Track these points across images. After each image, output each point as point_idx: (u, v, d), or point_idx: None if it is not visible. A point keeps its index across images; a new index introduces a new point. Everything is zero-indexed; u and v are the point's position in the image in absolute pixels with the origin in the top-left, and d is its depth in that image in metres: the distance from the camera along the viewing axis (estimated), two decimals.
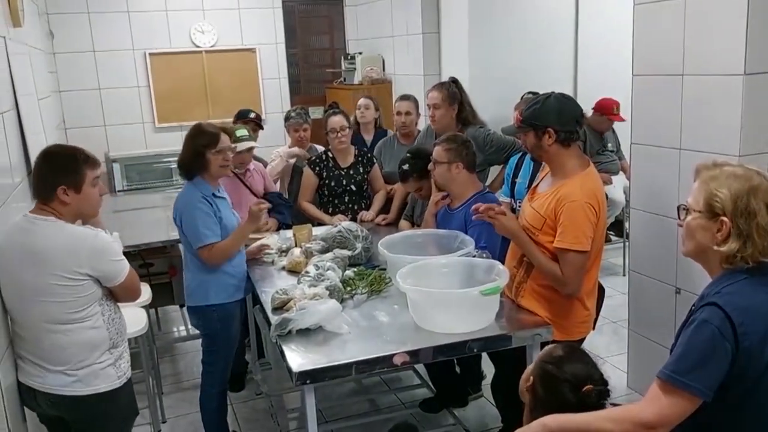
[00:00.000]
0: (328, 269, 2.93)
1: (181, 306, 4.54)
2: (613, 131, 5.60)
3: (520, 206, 3.10)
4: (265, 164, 4.54)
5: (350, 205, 4.20)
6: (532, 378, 1.86)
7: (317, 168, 4.19)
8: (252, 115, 4.78)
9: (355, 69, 6.82)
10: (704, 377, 1.59)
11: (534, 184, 2.83)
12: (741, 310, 1.59)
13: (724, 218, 1.65)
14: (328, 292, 2.73)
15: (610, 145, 5.57)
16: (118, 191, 6.33)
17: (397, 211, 4.07)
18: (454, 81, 4.00)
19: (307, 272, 2.95)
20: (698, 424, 1.64)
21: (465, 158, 3.18)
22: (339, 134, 4.14)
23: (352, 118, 4.67)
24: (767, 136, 2.91)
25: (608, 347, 4.15)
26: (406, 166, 3.61)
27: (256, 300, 3.19)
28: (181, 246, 3.32)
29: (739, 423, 1.68)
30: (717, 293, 1.64)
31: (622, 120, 4.94)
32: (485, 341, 2.47)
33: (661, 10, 3.22)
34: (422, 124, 4.72)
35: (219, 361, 3.21)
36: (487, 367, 3.60)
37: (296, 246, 3.49)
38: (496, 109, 4.43)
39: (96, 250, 2.27)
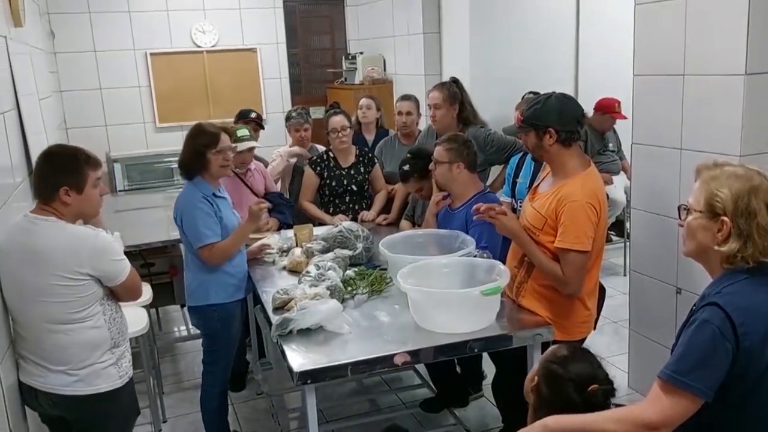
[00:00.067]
0: (328, 269, 2.93)
1: (182, 306, 4.54)
2: (614, 131, 5.60)
3: (521, 206, 3.10)
4: (266, 164, 4.54)
5: (351, 205, 4.20)
6: (536, 378, 1.86)
7: (318, 168, 4.19)
8: (253, 115, 4.78)
9: (356, 69, 6.81)
10: (705, 377, 1.59)
11: (535, 184, 2.83)
12: (741, 310, 1.59)
13: (725, 218, 1.65)
14: (328, 292, 2.73)
15: (611, 145, 5.57)
16: (119, 191, 6.33)
17: (397, 211, 4.07)
18: (454, 81, 4.00)
19: (307, 272, 2.95)
20: (699, 424, 1.64)
21: (466, 158, 3.18)
22: (340, 134, 4.14)
23: (353, 118, 4.67)
24: None
25: (609, 347, 4.14)
26: (406, 167, 3.61)
27: (257, 300, 3.19)
28: (181, 246, 3.33)
29: (739, 423, 1.68)
30: (717, 293, 1.64)
31: (625, 117, 4.94)
32: (486, 341, 2.47)
33: (662, 10, 3.21)
34: (423, 124, 4.72)
35: (220, 360, 3.21)
36: (488, 367, 3.60)
37: (297, 246, 3.49)
38: (497, 109, 4.43)
39: (97, 250, 2.27)
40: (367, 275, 3.02)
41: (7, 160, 2.73)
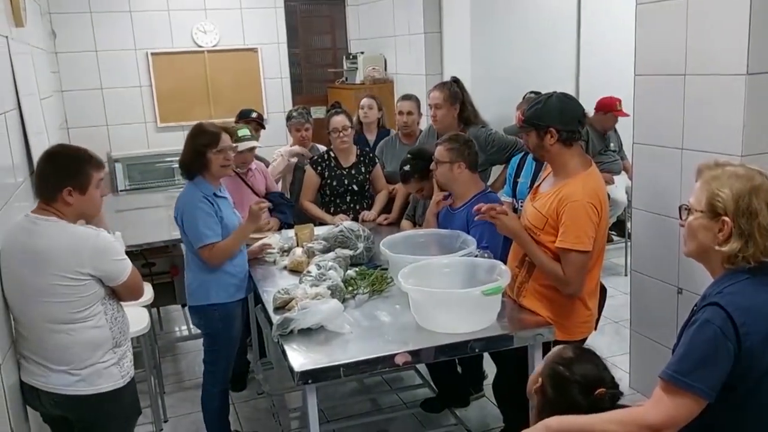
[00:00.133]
0: (329, 269, 2.93)
1: (183, 305, 4.54)
2: (616, 131, 5.59)
3: (522, 206, 3.10)
4: (267, 164, 4.54)
5: (352, 205, 4.20)
6: (540, 379, 1.85)
7: (319, 167, 4.19)
8: (254, 115, 4.79)
9: (356, 68, 6.81)
10: (706, 377, 1.58)
11: (536, 184, 2.83)
12: (743, 310, 1.59)
13: (726, 218, 1.64)
14: (329, 292, 2.73)
15: (612, 144, 5.56)
16: (120, 191, 6.35)
17: (398, 211, 4.07)
18: (455, 81, 3.99)
19: (308, 272, 2.95)
20: (700, 424, 1.63)
21: (467, 158, 3.18)
22: (341, 134, 4.14)
23: (354, 118, 4.67)
24: None
25: (610, 347, 4.14)
26: (407, 167, 3.61)
27: (258, 299, 3.20)
28: (182, 246, 3.33)
29: (741, 423, 1.67)
30: (719, 293, 1.64)
31: (627, 115, 4.93)
32: (487, 341, 2.47)
33: (663, 10, 3.21)
34: (424, 123, 4.72)
35: (220, 360, 3.21)
36: (489, 367, 3.60)
37: (298, 246, 3.49)
38: (498, 109, 4.43)
39: (98, 250, 2.27)
40: (368, 275, 3.02)
41: (8, 160, 2.73)
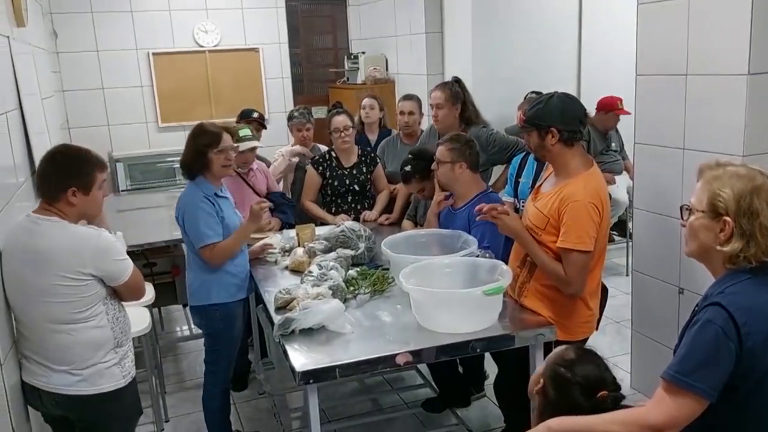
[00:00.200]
0: (331, 269, 2.93)
1: (184, 305, 4.54)
2: (617, 131, 5.59)
3: (523, 206, 3.10)
4: (268, 164, 4.55)
5: (353, 205, 4.20)
6: (542, 380, 1.85)
7: (320, 167, 4.19)
8: (255, 115, 4.79)
9: (358, 68, 6.82)
10: (708, 377, 1.58)
11: (537, 184, 2.82)
12: (744, 310, 1.59)
13: (727, 218, 1.64)
14: (331, 292, 2.73)
15: (613, 144, 5.56)
16: (122, 191, 6.35)
17: (400, 211, 4.07)
18: (457, 80, 3.99)
19: (310, 272, 2.95)
20: (701, 424, 1.63)
21: (468, 158, 3.17)
22: (342, 134, 4.14)
23: (356, 118, 4.67)
24: None
25: (611, 347, 4.14)
26: (408, 168, 3.60)
27: (259, 299, 3.20)
28: (184, 246, 3.33)
29: (742, 423, 1.67)
30: (720, 293, 1.64)
31: (629, 113, 4.93)
32: (488, 341, 2.47)
33: (664, 10, 3.21)
34: (425, 123, 4.72)
35: (221, 360, 3.21)
36: (490, 367, 3.60)
37: (299, 245, 3.50)
38: (499, 109, 4.43)
39: (99, 250, 2.27)
40: (369, 275, 3.02)
41: (9, 160, 2.73)
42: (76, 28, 6.32)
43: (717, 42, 2.94)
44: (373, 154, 4.33)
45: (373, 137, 4.92)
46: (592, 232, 2.47)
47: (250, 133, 4.00)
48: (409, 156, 3.65)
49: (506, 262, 2.71)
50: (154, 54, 6.60)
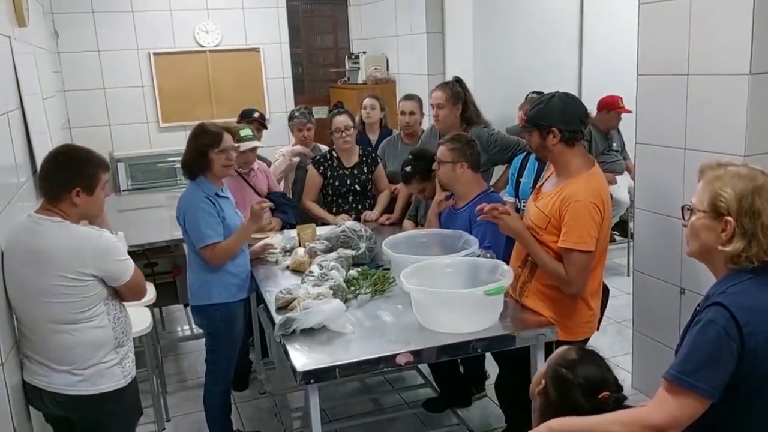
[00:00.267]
0: (331, 269, 2.93)
1: (185, 305, 4.54)
2: (618, 131, 5.58)
3: (524, 206, 3.10)
4: (269, 164, 4.55)
5: (354, 205, 4.20)
6: (544, 381, 1.85)
7: (321, 167, 4.19)
8: (256, 115, 4.79)
9: (359, 68, 6.81)
10: (710, 377, 1.58)
11: (539, 184, 2.82)
12: (746, 310, 1.59)
13: (729, 218, 1.64)
14: (332, 292, 2.73)
15: (615, 144, 5.56)
16: (123, 191, 6.35)
17: (401, 211, 4.07)
18: (458, 80, 3.99)
19: (310, 272, 2.95)
20: (704, 424, 1.63)
21: (469, 158, 3.17)
22: (343, 134, 4.14)
23: (357, 118, 4.67)
24: None
25: (612, 347, 4.14)
26: (408, 168, 3.60)
27: (260, 299, 3.20)
28: (185, 245, 3.33)
29: (744, 423, 1.67)
30: (722, 293, 1.64)
31: (630, 111, 4.93)
32: (489, 341, 2.47)
33: (665, 10, 3.21)
34: (426, 123, 4.72)
35: (222, 360, 3.21)
36: (491, 367, 3.60)
37: (300, 245, 3.49)
38: (500, 109, 4.43)
39: (101, 250, 2.27)
40: (370, 275, 3.02)
41: (11, 160, 2.73)
42: (77, 28, 6.32)
43: (718, 42, 2.94)
44: (374, 154, 4.33)
45: (374, 137, 4.91)
46: (593, 232, 2.47)
47: (251, 133, 4.00)
48: (410, 156, 3.65)
49: (507, 262, 2.71)
50: (155, 54, 6.61)
